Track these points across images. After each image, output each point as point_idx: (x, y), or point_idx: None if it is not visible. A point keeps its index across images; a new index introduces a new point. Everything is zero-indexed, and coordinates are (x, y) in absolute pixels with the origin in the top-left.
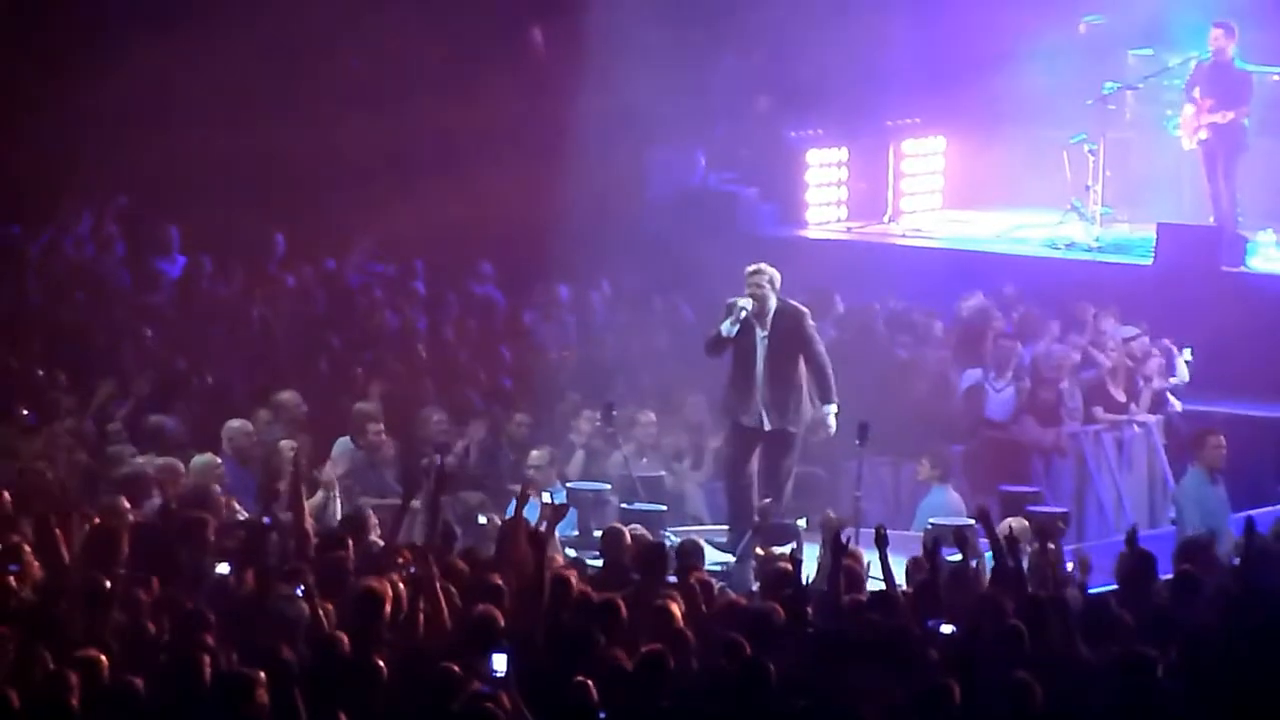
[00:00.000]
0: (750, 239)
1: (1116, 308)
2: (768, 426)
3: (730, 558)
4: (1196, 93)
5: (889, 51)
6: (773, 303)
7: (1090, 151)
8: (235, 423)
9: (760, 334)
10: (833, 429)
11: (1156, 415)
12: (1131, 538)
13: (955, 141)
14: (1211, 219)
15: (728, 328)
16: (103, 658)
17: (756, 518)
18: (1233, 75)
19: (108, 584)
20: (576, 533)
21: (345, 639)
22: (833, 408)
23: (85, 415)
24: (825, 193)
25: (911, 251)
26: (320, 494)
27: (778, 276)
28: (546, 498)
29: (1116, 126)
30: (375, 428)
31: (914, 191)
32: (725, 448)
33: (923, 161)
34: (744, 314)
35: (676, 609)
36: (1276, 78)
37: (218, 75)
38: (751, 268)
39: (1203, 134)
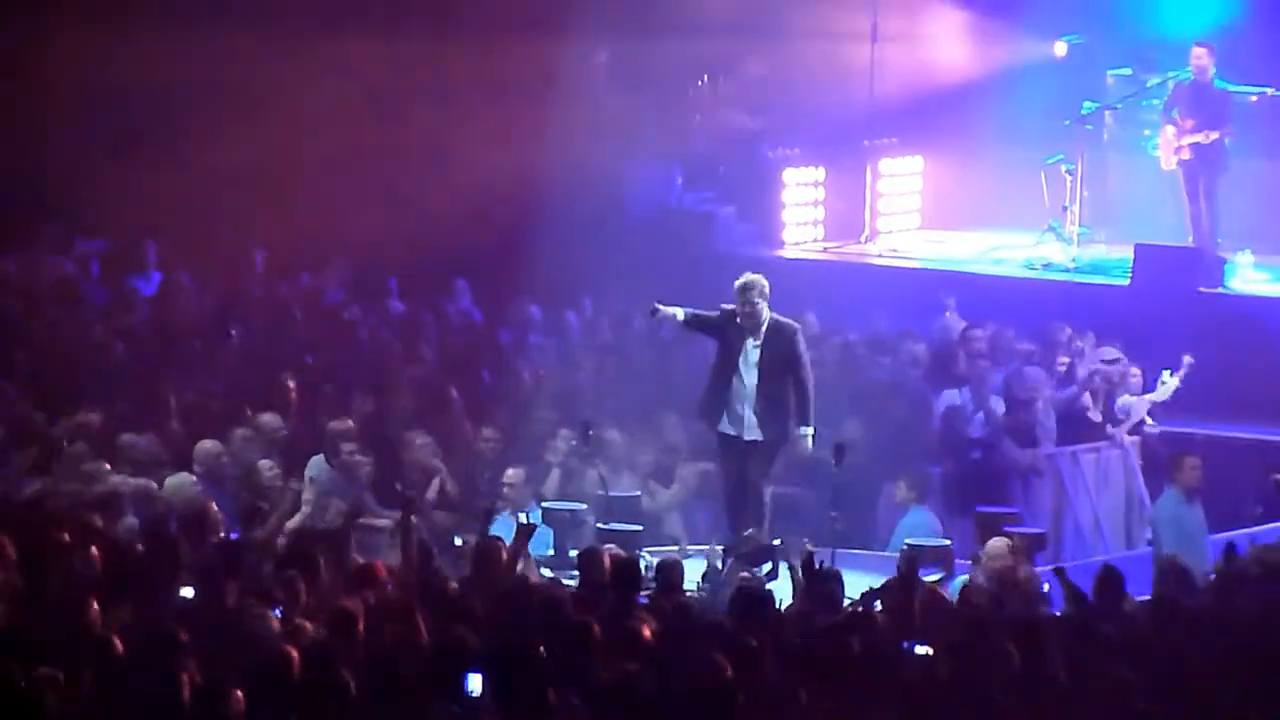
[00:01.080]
0: (727, 259)
1: (1092, 332)
2: (749, 437)
3: (704, 580)
4: (1176, 113)
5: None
6: (766, 314)
7: (1068, 172)
8: (206, 444)
9: (752, 344)
10: (808, 450)
11: (1134, 436)
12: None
13: (933, 162)
14: (1191, 239)
15: (673, 314)
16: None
17: (738, 543)
18: (1213, 95)
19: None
20: (552, 552)
21: (315, 657)
22: (810, 430)
23: (58, 433)
24: (802, 212)
25: (889, 272)
26: (301, 513)
27: (768, 286)
28: (523, 517)
29: (1094, 147)
30: (349, 447)
31: (891, 212)
32: (717, 463)
33: (900, 182)
34: (675, 319)
35: (649, 629)
36: (1255, 98)
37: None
38: (742, 281)
39: (1184, 154)
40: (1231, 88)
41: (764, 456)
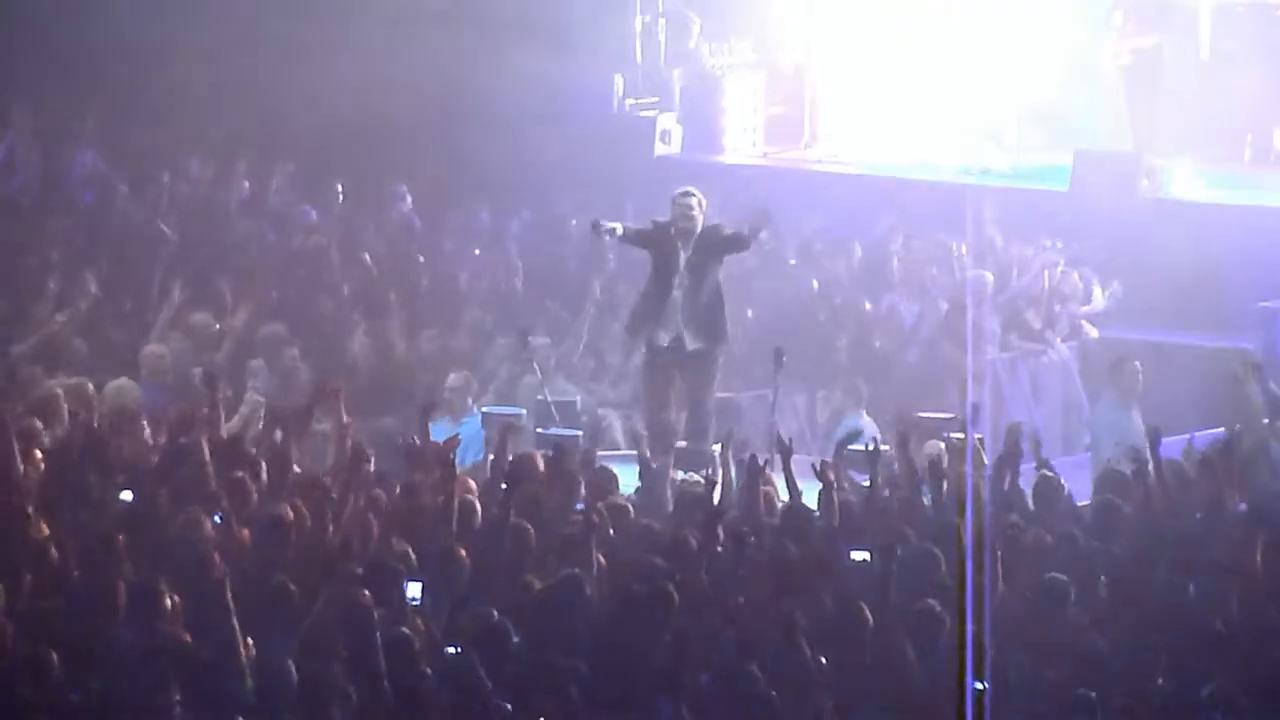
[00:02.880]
0: (666, 165)
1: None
2: (690, 348)
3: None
4: (1117, 18)
5: None
6: (699, 227)
7: None
8: (151, 347)
9: (684, 256)
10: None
11: (1072, 341)
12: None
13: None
14: (1132, 144)
15: (614, 228)
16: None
17: (676, 442)
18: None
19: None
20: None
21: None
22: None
23: None
24: (742, 119)
25: (828, 178)
26: (241, 414)
27: (705, 201)
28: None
29: None
30: (290, 351)
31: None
32: (644, 371)
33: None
34: (616, 234)
35: (588, 534)
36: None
37: None
38: (678, 191)
39: (1123, 59)
40: None
41: (704, 366)
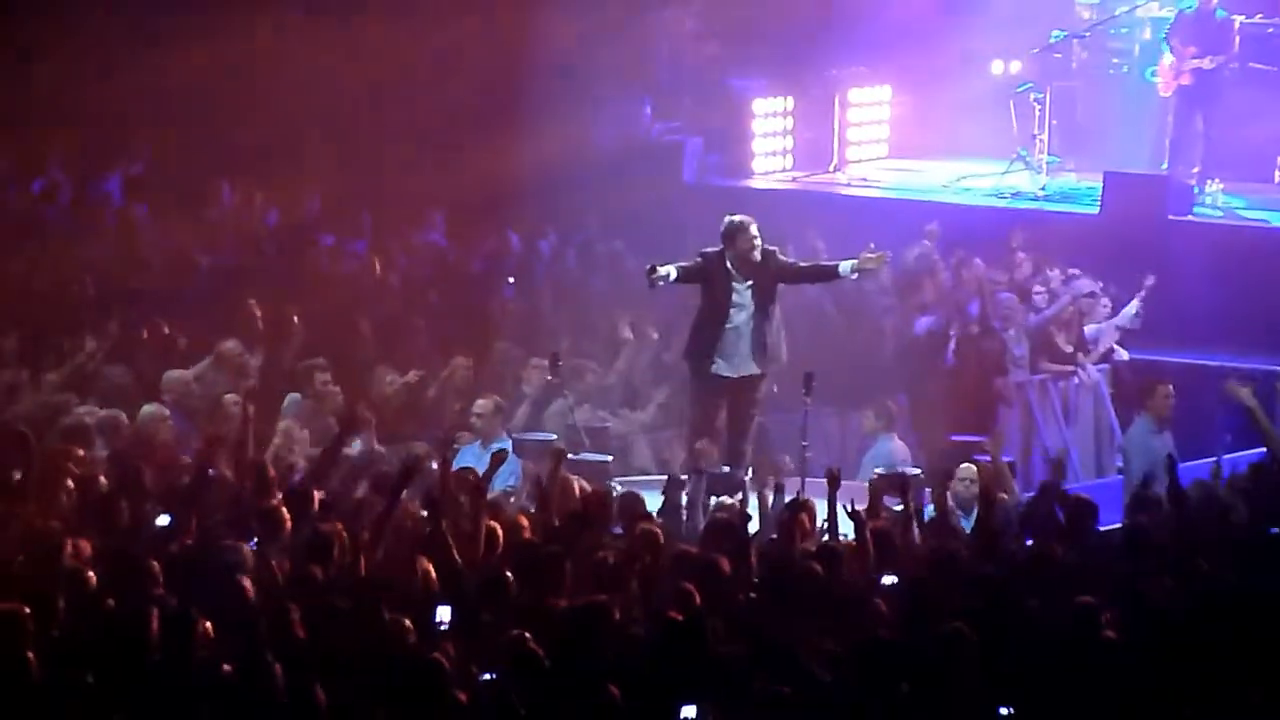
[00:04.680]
0: (696, 189)
1: (1063, 260)
2: (744, 373)
3: (669, 508)
4: (1176, 41)
5: None
6: (758, 256)
7: (1036, 100)
8: (175, 373)
9: (744, 285)
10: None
11: (1103, 365)
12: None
13: (901, 90)
14: (1165, 166)
15: (667, 274)
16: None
17: (702, 464)
18: (1215, 24)
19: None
20: (523, 483)
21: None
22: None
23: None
24: (771, 142)
25: (857, 201)
26: (273, 444)
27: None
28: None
29: (1063, 75)
30: (323, 378)
31: (860, 141)
32: (693, 398)
33: (869, 111)
34: (669, 279)
35: (619, 560)
36: (1271, 29)
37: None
38: (740, 219)
39: (1185, 79)
40: (1234, 17)
41: (755, 389)
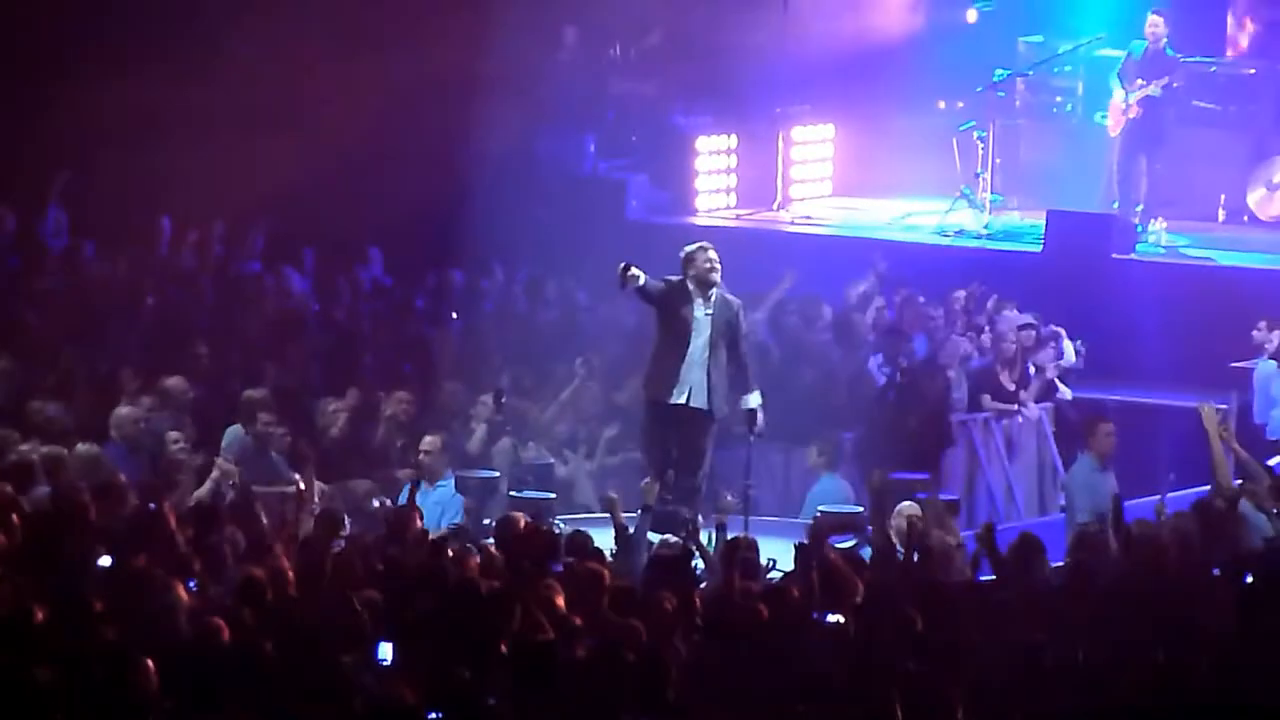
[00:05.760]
0: (640, 226)
1: (1001, 297)
2: (695, 404)
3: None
4: (1125, 78)
5: (778, 38)
6: (718, 278)
7: (979, 139)
8: (124, 410)
9: (703, 311)
10: (760, 418)
11: (1046, 403)
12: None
13: (845, 129)
14: (1116, 206)
15: (638, 276)
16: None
17: (646, 500)
18: (1165, 61)
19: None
20: (465, 520)
21: (225, 625)
22: (756, 395)
23: None
24: (714, 180)
25: (801, 239)
26: (210, 482)
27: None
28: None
29: (1006, 114)
30: (265, 416)
31: (803, 179)
32: (645, 434)
33: (812, 149)
34: (638, 282)
35: (562, 598)
36: (1214, 69)
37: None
38: (696, 245)
39: (1133, 112)
40: (1179, 55)
41: (705, 427)
